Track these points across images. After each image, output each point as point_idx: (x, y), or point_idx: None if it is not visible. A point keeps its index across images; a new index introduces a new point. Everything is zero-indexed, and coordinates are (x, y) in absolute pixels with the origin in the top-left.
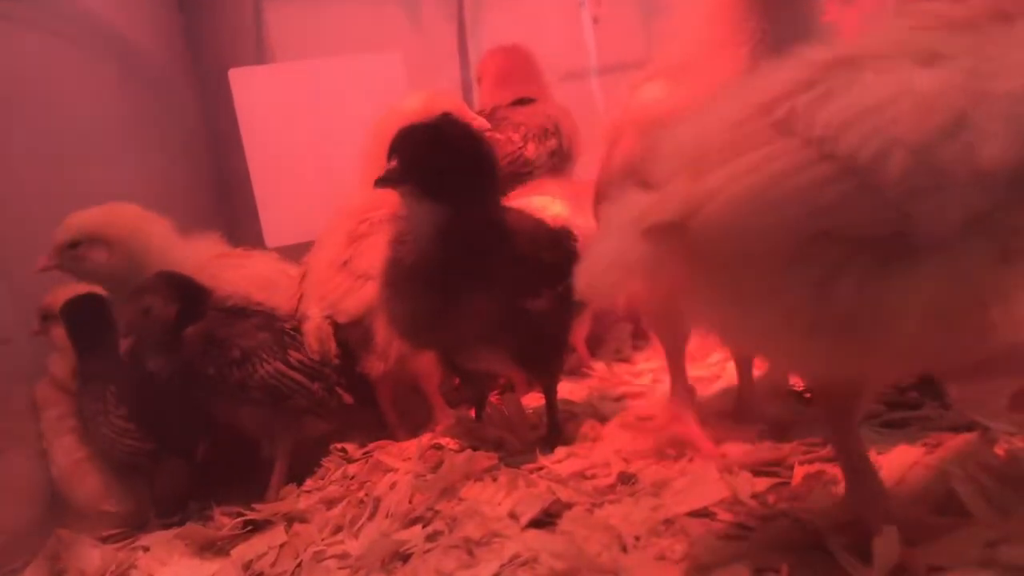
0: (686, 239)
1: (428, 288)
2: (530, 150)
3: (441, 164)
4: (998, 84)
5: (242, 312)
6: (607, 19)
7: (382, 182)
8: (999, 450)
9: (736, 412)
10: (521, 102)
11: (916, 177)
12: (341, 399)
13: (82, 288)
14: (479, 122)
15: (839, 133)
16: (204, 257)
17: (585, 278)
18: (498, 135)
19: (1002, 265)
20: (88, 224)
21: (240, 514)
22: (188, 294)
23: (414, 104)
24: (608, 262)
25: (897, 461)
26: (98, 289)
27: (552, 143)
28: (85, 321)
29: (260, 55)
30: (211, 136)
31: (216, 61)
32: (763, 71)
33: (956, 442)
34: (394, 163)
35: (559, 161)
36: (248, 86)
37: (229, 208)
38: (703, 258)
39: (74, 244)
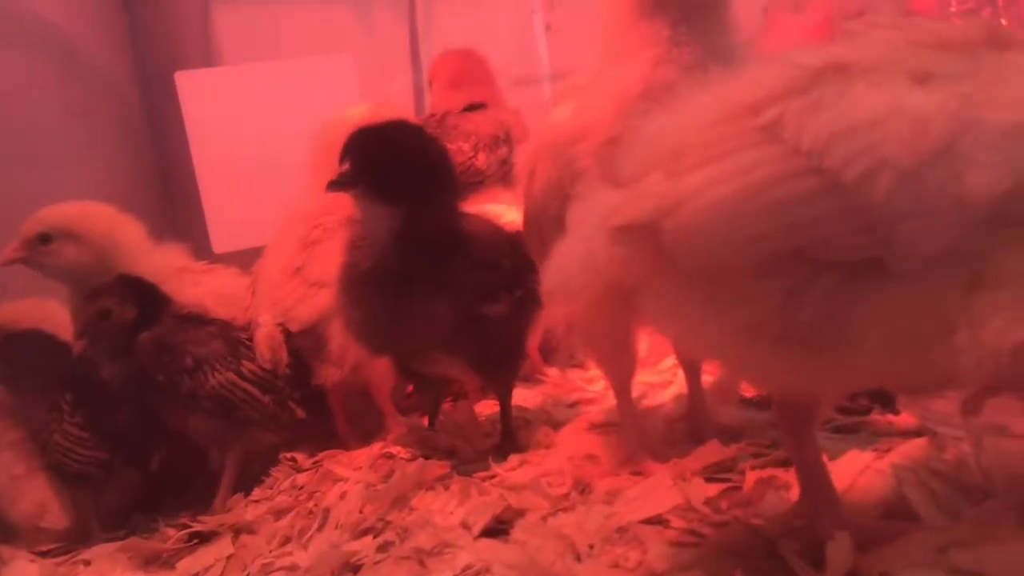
0: (656, 241)
1: (385, 293)
2: (480, 160)
3: (395, 166)
4: (990, 113)
5: (197, 320)
6: (560, 25)
7: (334, 185)
8: (948, 455)
9: (687, 418)
10: (472, 107)
11: (901, 201)
12: (293, 413)
13: (22, 304)
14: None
15: (827, 147)
16: (168, 269)
17: (553, 280)
18: (448, 145)
19: (971, 291)
20: (63, 219)
21: (186, 526)
22: (147, 300)
23: (360, 113)
24: (577, 264)
25: (848, 466)
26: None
27: (503, 151)
28: (23, 360)
29: (208, 57)
30: (157, 139)
31: (162, 63)
32: (748, 69)
33: (906, 447)
34: (346, 166)
35: (510, 169)
36: (195, 89)
37: (175, 213)
38: (672, 262)
39: (45, 238)
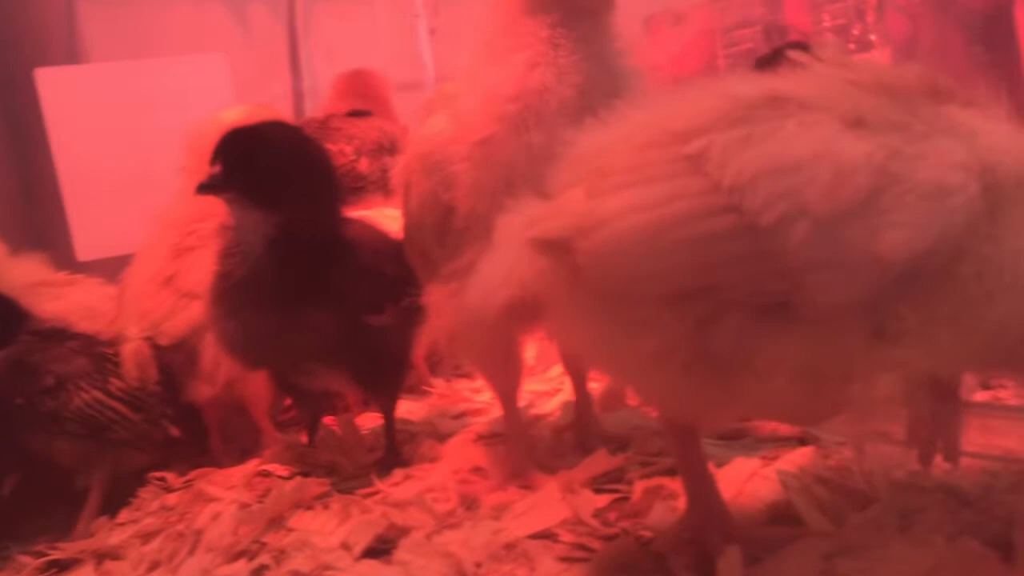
0: (571, 256)
1: (261, 304)
2: (363, 164)
3: (270, 169)
4: (916, 171)
5: (58, 335)
6: (444, 30)
7: (204, 188)
8: (832, 462)
9: (574, 427)
10: (357, 113)
11: (815, 251)
12: (166, 431)
13: None
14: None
15: (748, 186)
16: (26, 282)
17: (477, 296)
18: (329, 147)
19: (873, 344)
20: None
21: (43, 553)
22: (2, 316)
23: (235, 115)
24: (501, 277)
25: (735, 474)
26: None
27: (386, 159)
28: None
29: (72, 54)
30: (15, 140)
31: (23, 59)
32: (681, 94)
33: (792, 454)
34: (218, 168)
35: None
36: (57, 87)
37: (38, 219)
38: (585, 280)
39: None
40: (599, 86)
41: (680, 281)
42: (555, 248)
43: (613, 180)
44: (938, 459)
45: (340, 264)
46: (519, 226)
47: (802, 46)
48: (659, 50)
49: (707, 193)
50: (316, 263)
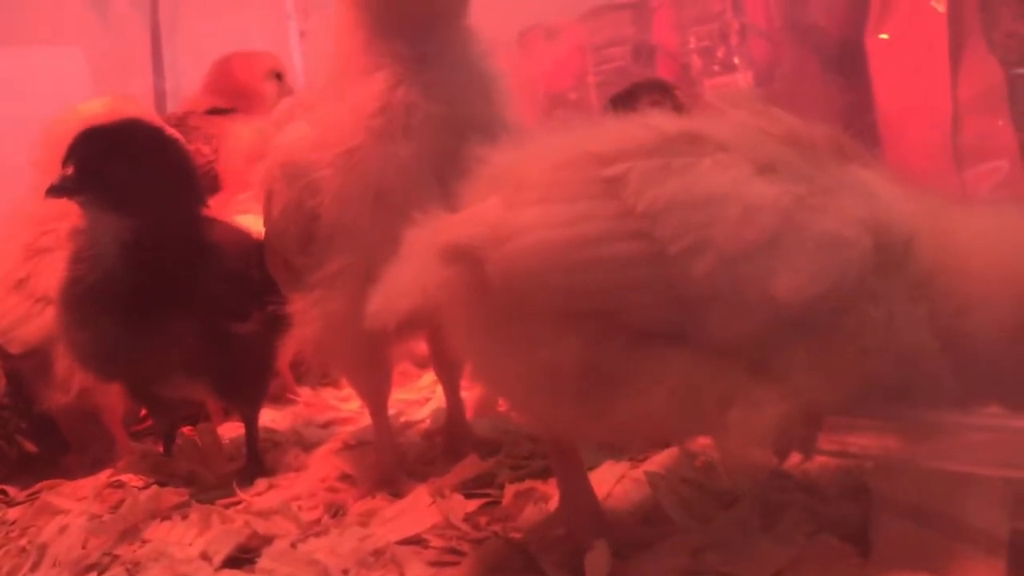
0: (480, 265)
1: (115, 313)
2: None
3: (125, 171)
4: (817, 220)
5: None
6: (315, 32)
7: (55, 191)
8: (698, 462)
9: (444, 432)
10: (217, 111)
11: (716, 284)
12: (21, 447)
13: None
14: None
15: (661, 215)
16: None
17: (378, 304)
18: (188, 146)
19: (756, 375)
20: None
21: None
22: None
23: (95, 108)
24: (405, 284)
25: (605, 476)
26: None
27: None
28: None
29: None
30: None
31: None
32: (600, 122)
33: (660, 456)
34: (70, 169)
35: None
36: None
37: None
38: (490, 290)
39: None
40: (467, 93)
41: (585, 300)
42: (465, 255)
43: (530, 194)
44: (797, 457)
45: (202, 269)
46: (427, 235)
47: (659, 84)
48: (532, 65)
49: (621, 217)
50: (176, 268)
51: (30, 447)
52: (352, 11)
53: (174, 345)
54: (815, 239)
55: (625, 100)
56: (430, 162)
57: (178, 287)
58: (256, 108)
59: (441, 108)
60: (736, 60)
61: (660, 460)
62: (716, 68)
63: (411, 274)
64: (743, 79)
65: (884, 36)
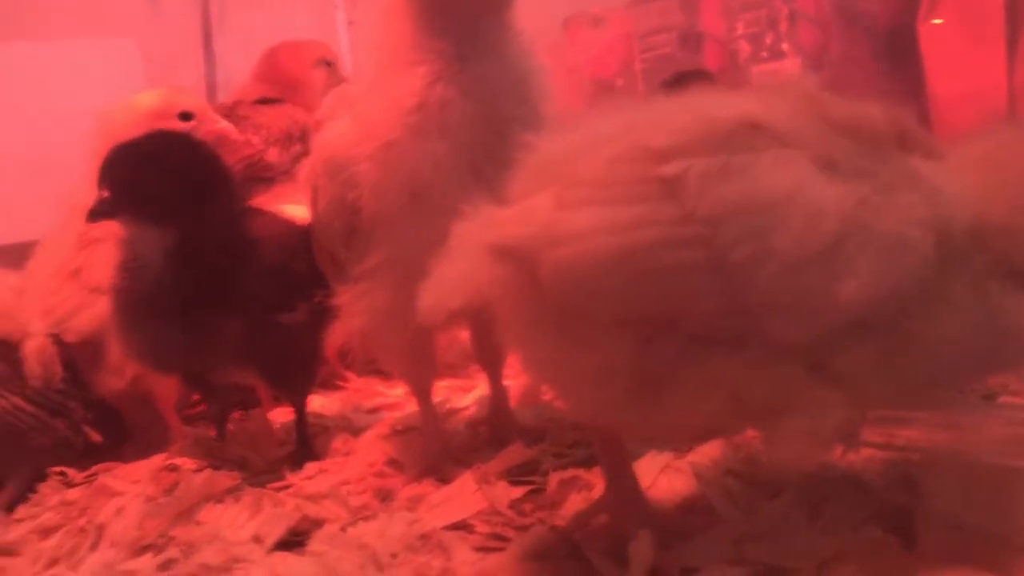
0: (532, 265)
1: (163, 315)
2: (272, 154)
3: (158, 184)
4: (879, 222)
5: None
6: (363, 21)
7: (94, 215)
8: (743, 453)
9: (489, 420)
10: (265, 101)
11: (779, 291)
12: (87, 438)
13: None
14: (222, 126)
15: (722, 220)
16: None
17: (429, 299)
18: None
19: (815, 379)
20: None
21: None
22: None
23: (150, 100)
24: (456, 281)
25: (649, 466)
26: None
27: (297, 149)
28: None
29: None
30: None
31: None
32: (653, 104)
33: (704, 447)
34: (105, 192)
35: None
36: None
37: None
38: (542, 290)
39: None
40: (506, 91)
41: (641, 306)
42: (516, 256)
43: (582, 192)
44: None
45: (246, 265)
46: (478, 230)
47: (702, 74)
48: (577, 52)
49: (680, 223)
50: (220, 268)
51: (95, 437)
52: (398, 6)
53: (223, 340)
54: (878, 242)
55: (670, 90)
56: (466, 159)
57: (223, 285)
58: (305, 97)
59: (478, 106)
60: (785, 46)
61: (705, 450)
62: (764, 55)
63: (462, 270)
64: (792, 66)
65: (937, 21)
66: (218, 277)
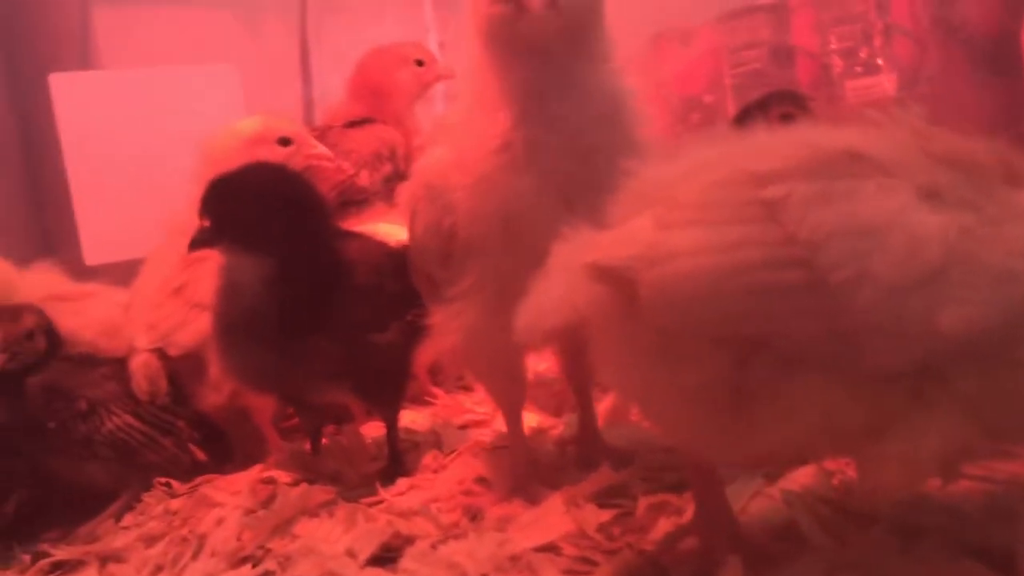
0: (631, 286)
1: (261, 338)
2: (363, 178)
3: (255, 214)
4: (984, 253)
5: (90, 361)
6: (454, 43)
7: (196, 244)
8: (835, 481)
9: (577, 441)
10: (354, 124)
11: (878, 316)
12: (194, 456)
13: None
14: (319, 151)
15: (824, 243)
16: (41, 296)
17: (527, 319)
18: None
19: (910, 408)
20: None
21: (46, 554)
22: (52, 336)
23: (251, 127)
24: (555, 302)
25: (739, 492)
26: None
27: (387, 168)
28: None
29: (85, 60)
30: (26, 145)
31: (36, 65)
32: (752, 134)
33: (796, 474)
34: (206, 222)
35: (396, 186)
36: (70, 93)
37: (46, 222)
38: (641, 311)
39: None
40: (592, 120)
41: (739, 326)
42: (616, 276)
43: (684, 214)
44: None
45: (341, 288)
46: (577, 252)
47: (791, 95)
48: (666, 68)
49: (781, 244)
50: (316, 292)
51: (201, 455)
52: (477, 47)
53: (318, 359)
54: (983, 272)
55: (756, 110)
56: (556, 190)
57: (318, 307)
58: (396, 102)
59: (564, 139)
60: (880, 61)
61: (796, 477)
62: (858, 69)
63: (560, 290)
64: (887, 81)
65: None
66: (313, 301)
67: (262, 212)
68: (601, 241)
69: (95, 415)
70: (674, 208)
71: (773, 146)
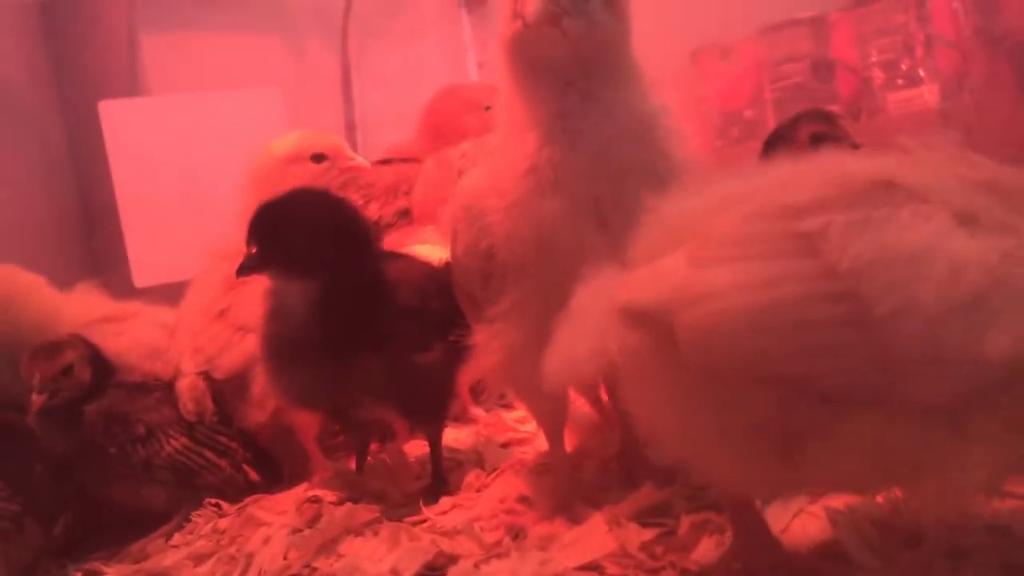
0: (667, 327)
1: (308, 359)
2: (372, 210)
3: (301, 240)
4: None
5: (144, 387)
6: (492, 65)
7: (244, 270)
8: (881, 500)
9: (619, 459)
10: (386, 161)
11: (923, 346)
12: (248, 476)
13: None
14: (356, 163)
15: (866, 273)
16: (85, 319)
17: (557, 367)
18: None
19: (955, 439)
20: None
21: (98, 572)
22: (99, 363)
23: (285, 146)
24: (588, 349)
25: (781, 510)
26: None
27: (401, 203)
28: None
29: (133, 87)
30: (77, 170)
31: (85, 92)
32: (779, 166)
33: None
34: (253, 248)
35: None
36: (119, 119)
37: (97, 245)
38: (679, 353)
39: None
40: (619, 139)
41: (785, 365)
42: (652, 318)
43: (718, 251)
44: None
45: (385, 309)
46: (603, 294)
47: (822, 115)
48: (706, 83)
49: (822, 277)
50: (359, 312)
51: (254, 476)
52: (505, 72)
53: (364, 379)
54: None
55: (787, 131)
56: (587, 211)
57: (363, 328)
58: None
59: (591, 160)
60: (921, 73)
61: (841, 496)
62: (900, 82)
63: (591, 336)
64: (929, 92)
65: None
66: (359, 322)
67: (307, 238)
68: (631, 282)
69: (154, 439)
70: (707, 244)
71: (802, 176)
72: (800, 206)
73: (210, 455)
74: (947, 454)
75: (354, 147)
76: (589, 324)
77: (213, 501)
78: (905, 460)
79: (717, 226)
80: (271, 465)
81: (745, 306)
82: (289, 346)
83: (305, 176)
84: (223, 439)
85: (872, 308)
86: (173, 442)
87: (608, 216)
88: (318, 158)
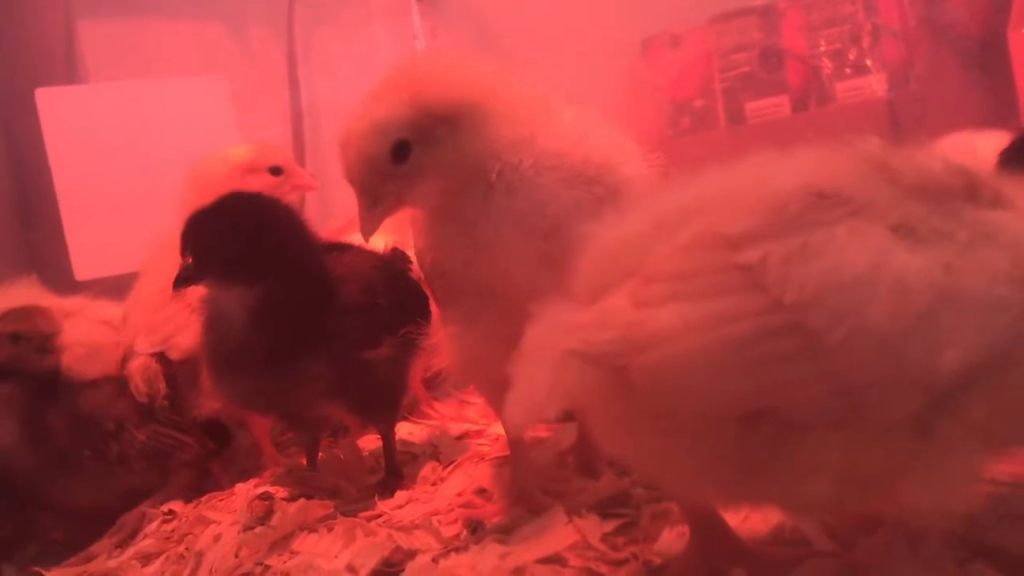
0: (620, 369)
1: (252, 365)
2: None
3: (237, 247)
4: (966, 284)
5: (93, 383)
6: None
7: (180, 283)
8: None
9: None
10: None
11: (878, 368)
12: (208, 447)
13: None
14: (308, 180)
15: (812, 303)
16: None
17: (520, 411)
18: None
19: (918, 438)
20: None
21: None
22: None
23: (242, 155)
24: (545, 392)
25: None
26: None
27: None
28: None
29: (71, 75)
30: (13, 159)
31: (21, 79)
32: (709, 175)
33: None
34: (188, 259)
35: None
36: (57, 107)
37: (34, 238)
38: (628, 388)
39: None
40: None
41: (742, 403)
42: (602, 362)
43: (661, 288)
44: None
45: (330, 308)
46: (555, 335)
47: None
48: (657, 72)
49: (769, 312)
50: (304, 315)
51: (211, 444)
52: None
53: (312, 381)
54: (970, 305)
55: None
56: (530, 261)
57: (307, 330)
58: None
59: (517, 236)
60: (869, 62)
61: None
62: (848, 71)
63: (547, 379)
64: (876, 81)
65: None
66: (303, 324)
67: (244, 244)
68: (579, 324)
69: (124, 431)
70: (648, 281)
71: (730, 192)
72: (736, 236)
73: (178, 434)
74: (918, 462)
75: (301, 136)
76: (545, 366)
77: (166, 508)
78: (875, 476)
79: (654, 259)
80: (221, 430)
81: (698, 348)
82: (230, 356)
83: (259, 187)
84: (179, 416)
85: (823, 338)
86: (144, 429)
87: (551, 253)
88: (275, 171)
